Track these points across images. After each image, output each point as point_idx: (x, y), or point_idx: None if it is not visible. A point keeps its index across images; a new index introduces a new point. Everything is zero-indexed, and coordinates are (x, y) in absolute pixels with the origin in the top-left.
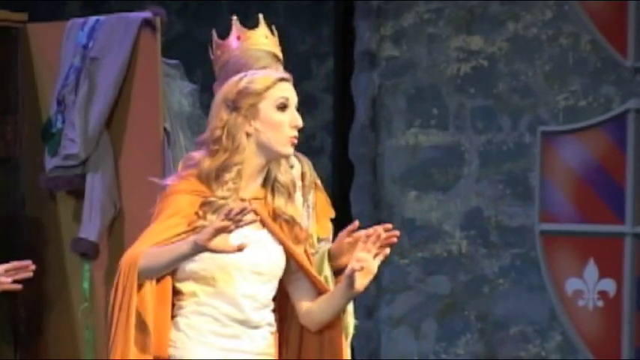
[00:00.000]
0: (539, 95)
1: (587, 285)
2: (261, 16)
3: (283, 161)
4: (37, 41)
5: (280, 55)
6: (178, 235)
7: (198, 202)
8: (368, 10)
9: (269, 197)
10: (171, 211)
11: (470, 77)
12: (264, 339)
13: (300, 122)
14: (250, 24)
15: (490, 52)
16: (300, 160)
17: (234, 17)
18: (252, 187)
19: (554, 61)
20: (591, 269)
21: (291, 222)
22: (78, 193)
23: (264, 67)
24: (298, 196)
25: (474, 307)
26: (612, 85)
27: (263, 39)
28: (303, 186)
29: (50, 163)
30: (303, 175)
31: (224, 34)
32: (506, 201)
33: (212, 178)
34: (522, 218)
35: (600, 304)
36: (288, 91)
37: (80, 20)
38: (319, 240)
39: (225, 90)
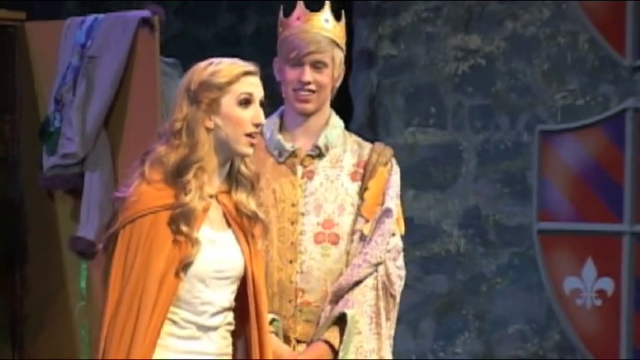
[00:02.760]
0: (537, 94)
1: (585, 284)
2: (327, 1)
3: None
4: (35, 40)
5: (338, 40)
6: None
7: (167, 217)
8: (366, 9)
9: (232, 190)
10: (139, 286)
11: (468, 76)
12: (224, 339)
13: (262, 119)
14: (249, 22)
15: (488, 50)
16: (372, 149)
17: None
18: (216, 182)
19: (552, 60)
20: (589, 268)
21: (253, 217)
22: (76, 192)
23: (312, 52)
24: (346, 181)
25: (472, 306)
26: (610, 84)
27: (323, 23)
28: (365, 173)
29: (48, 162)
30: (365, 163)
31: (221, 33)
32: (504, 200)
33: (174, 176)
34: (520, 217)
35: (598, 303)
36: (252, 86)
37: (78, 19)
38: (366, 220)
39: (188, 78)
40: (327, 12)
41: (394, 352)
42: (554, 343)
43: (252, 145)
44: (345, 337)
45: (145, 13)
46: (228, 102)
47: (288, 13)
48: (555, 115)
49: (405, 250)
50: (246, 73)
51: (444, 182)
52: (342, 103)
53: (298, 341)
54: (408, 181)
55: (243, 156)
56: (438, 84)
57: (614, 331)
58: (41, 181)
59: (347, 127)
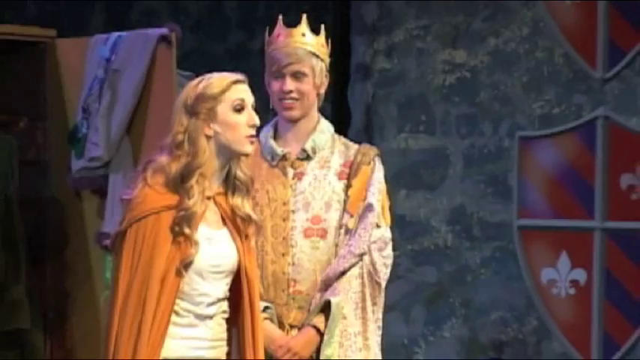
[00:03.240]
0: (517, 103)
1: (560, 275)
2: (304, 15)
3: (243, 158)
4: (65, 55)
5: (319, 52)
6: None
7: (168, 217)
8: (363, 27)
9: (229, 194)
10: (145, 275)
11: (454, 87)
12: (219, 325)
13: (256, 121)
14: (257, 38)
15: (473, 64)
16: (357, 150)
17: (280, 16)
18: (215, 185)
19: (531, 72)
20: (564, 260)
21: (247, 219)
22: (101, 192)
23: (291, 64)
24: (333, 180)
25: (459, 295)
26: (583, 94)
27: (300, 37)
28: (350, 172)
29: (76, 164)
30: (351, 163)
31: (232, 48)
32: (487, 199)
33: (177, 183)
34: (502, 214)
35: (572, 292)
36: (243, 92)
37: (103, 36)
38: (350, 214)
39: (184, 95)
40: (303, 27)
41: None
42: (532, 328)
43: (251, 143)
44: (329, 322)
45: (164, 30)
46: (223, 109)
47: (272, 31)
48: (533, 122)
49: (397, 244)
50: (236, 82)
51: (433, 183)
52: (342, 112)
53: (291, 326)
54: (400, 182)
55: (244, 155)
56: (427, 94)
57: (586, 318)
58: (70, 182)
59: (345, 134)
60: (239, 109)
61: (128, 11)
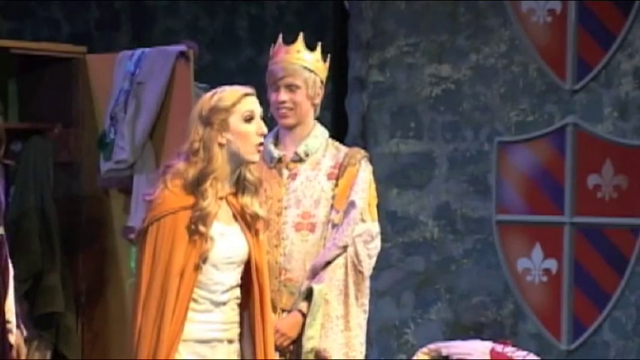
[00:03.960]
0: (496, 112)
1: (534, 264)
2: (301, 34)
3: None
4: (94, 69)
5: (310, 66)
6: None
7: (185, 216)
8: (358, 44)
9: (239, 194)
10: (162, 269)
11: (440, 98)
12: (232, 310)
13: (264, 130)
14: (266, 54)
15: (456, 77)
16: (345, 154)
17: (280, 35)
18: (227, 186)
19: (508, 84)
20: (537, 251)
21: (255, 217)
22: (127, 191)
23: (284, 77)
24: (323, 180)
25: (444, 282)
26: (554, 104)
27: (295, 53)
28: (339, 173)
29: (104, 166)
30: (340, 165)
31: (243, 63)
32: (469, 197)
33: (194, 186)
34: (482, 210)
35: (545, 279)
36: (252, 104)
37: (129, 52)
38: (337, 211)
39: (199, 107)
40: (299, 44)
41: (381, 319)
42: (509, 312)
43: (258, 151)
44: (311, 306)
45: (182, 47)
46: (235, 120)
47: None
48: (510, 129)
49: (389, 237)
50: (246, 95)
51: (421, 182)
52: (340, 119)
53: (283, 310)
54: (392, 182)
55: (250, 162)
56: (416, 104)
57: (557, 302)
58: (99, 182)
59: (343, 139)
60: (249, 119)
61: (151, 30)
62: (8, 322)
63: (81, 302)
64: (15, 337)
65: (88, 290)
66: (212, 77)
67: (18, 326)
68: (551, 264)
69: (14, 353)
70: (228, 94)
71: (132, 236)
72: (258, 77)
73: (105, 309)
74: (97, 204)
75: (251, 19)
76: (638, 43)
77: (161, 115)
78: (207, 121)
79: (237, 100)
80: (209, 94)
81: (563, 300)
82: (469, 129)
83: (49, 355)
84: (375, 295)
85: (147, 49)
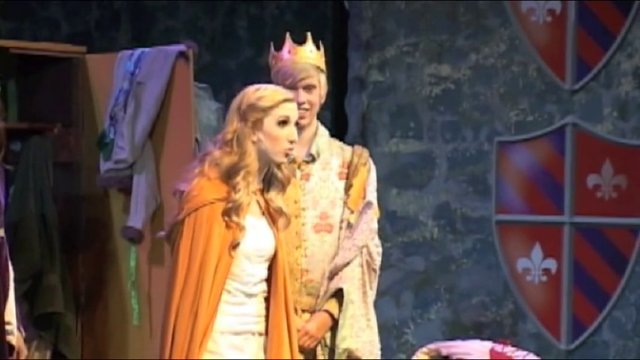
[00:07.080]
0: (495, 112)
1: (534, 264)
2: (309, 34)
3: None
4: (94, 69)
5: (322, 66)
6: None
7: (220, 208)
8: (358, 44)
9: (265, 188)
10: (198, 262)
11: (440, 98)
12: (261, 302)
13: (295, 137)
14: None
15: (456, 77)
16: (352, 152)
17: (288, 34)
18: (257, 180)
19: (508, 84)
20: (537, 251)
21: (279, 212)
22: (126, 191)
23: (304, 79)
24: (335, 180)
25: (443, 282)
26: (554, 104)
27: (308, 53)
28: (349, 172)
29: (104, 166)
30: (349, 164)
31: (243, 64)
32: (469, 196)
33: (228, 177)
34: (482, 210)
35: (544, 279)
36: (290, 110)
37: (128, 52)
38: (351, 211)
39: (239, 98)
40: (310, 44)
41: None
42: (508, 312)
43: (286, 155)
44: (343, 307)
45: (182, 47)
46: (269, 122)
47: (278, 47)
48: (510, 128)
49: (389, 236)
50: (286, 100)
51: (421, 182)
52: (340, 119)
53: (303, 311)
54: (391, 182)
55: (277, 164)
56: (416, 104)
57: (556, 302)
58: (99, 182)
59: (343, 139)
60: (283, 124)
61: (150, 30)
62: (9, 323)
63: (81, 302)
64: (16, 339)
65: (87, 290)
66: (212, 77)
67: (18, 328)
68: (551, 264)
69: (15, 355)
70: (269, 94)
71: (131, 236)
72: (258, 77)
73: (105, 309)
74: (96, 204)
75: (251, 18)
76: (638, 43)
77: (161, 115)
78: (243, 116)
79: (277, 104)
80: (253, 87)
81: (562, 300)
82: (469, 129)
83: (48, 355)
84: (375, 295)
85: (147, 49)
